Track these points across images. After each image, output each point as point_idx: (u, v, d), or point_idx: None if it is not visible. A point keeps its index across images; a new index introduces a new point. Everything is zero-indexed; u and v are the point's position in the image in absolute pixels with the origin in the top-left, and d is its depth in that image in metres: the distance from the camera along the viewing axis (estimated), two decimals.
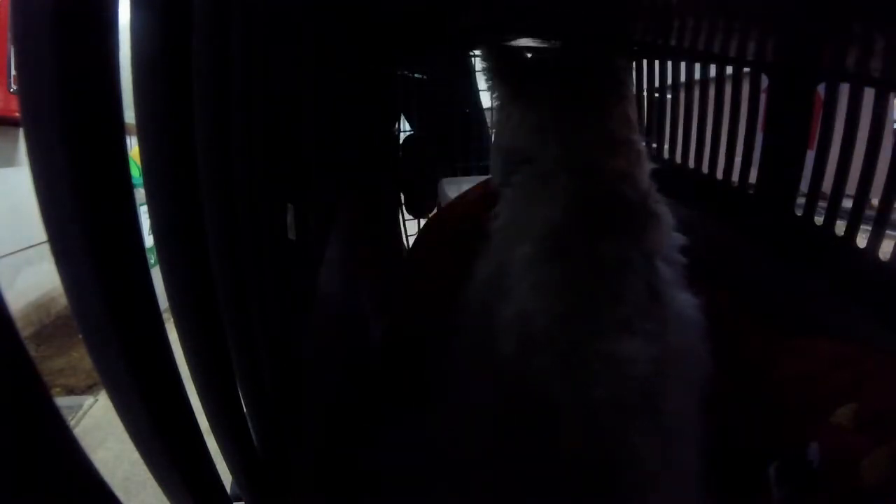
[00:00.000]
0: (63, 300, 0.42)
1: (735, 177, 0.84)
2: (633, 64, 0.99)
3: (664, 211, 0.59)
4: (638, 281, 0.53)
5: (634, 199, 0.56)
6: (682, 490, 0.50)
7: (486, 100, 1.21)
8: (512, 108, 0.66)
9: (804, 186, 0.73)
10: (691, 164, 0.92)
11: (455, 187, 1.04)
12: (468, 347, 0.59)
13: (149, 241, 0.27)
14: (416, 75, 1.15)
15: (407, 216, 1.12)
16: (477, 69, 1.17)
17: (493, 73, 0.68)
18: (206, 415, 0.30)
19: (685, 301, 0.56)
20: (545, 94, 0.63)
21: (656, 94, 1.00)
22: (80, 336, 0.22)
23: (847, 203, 0.67)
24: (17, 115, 0.21)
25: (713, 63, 0.85)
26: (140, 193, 0.23)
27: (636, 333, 0.50)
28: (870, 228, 0.64)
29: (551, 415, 0.49)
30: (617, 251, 0.53)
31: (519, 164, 0.63)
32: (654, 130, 1.02)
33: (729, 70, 0.83)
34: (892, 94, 0.62)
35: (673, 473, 0.49)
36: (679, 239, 0.60)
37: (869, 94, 0.63)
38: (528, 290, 0.53)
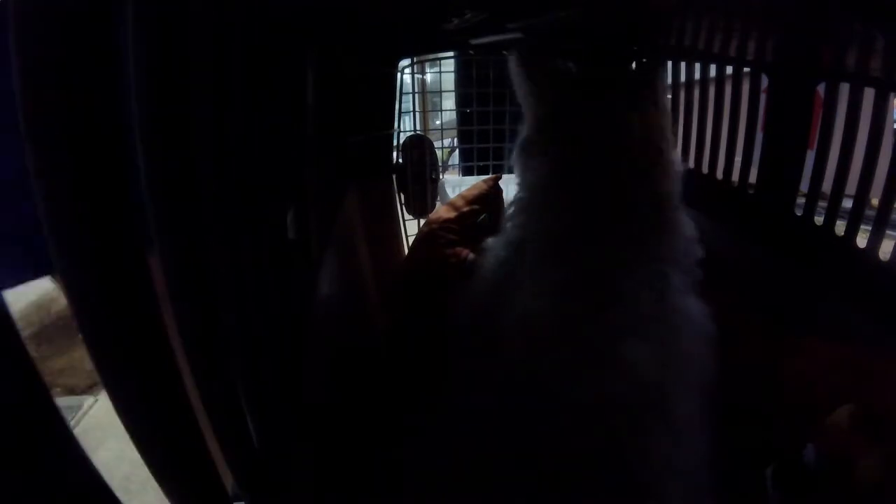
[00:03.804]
0: (63, 300, 0.42)
1: (735, 177, 0.84)
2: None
3: (681, 219, 0.59)
4: (645, 286, 0.53)
5: (645, 205, 0.56)
6: (688, 491, 0.50)
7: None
8: (539, 107, 0.66)
9: (804, 186, 0.73)
10: (691, 164, 0.92)
11: (455, 187, 1.04)
12: (472, 348, 0.59)
13: None
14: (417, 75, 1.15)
15: (407, 216, 1.12)
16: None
17: (525, 76, 0.67)
18: (206, 415, 0.30)
19: (694, 308, 0.56)
20: (572, 94, 0.63)
21: None
22: (80, 336, 0.22)
23: (847, 203, 0.67)
24: None
25: (713, 63, 0.85)
26: None
27: (643, 338, 0.50)
28: (870, 228, 0.64)
29: (559, 416, 0.49)
30: (622, 256, 0.53)
31: (537, 157, 0.63)
32: None
33: (729, 70, 0.83)
34: (892, 94, 0.62)
35: (680, 475, 0.49)
36: (696, 248, 0.60)
37: (869, 94, 0.63)
38: (533, 294, 0.53)
